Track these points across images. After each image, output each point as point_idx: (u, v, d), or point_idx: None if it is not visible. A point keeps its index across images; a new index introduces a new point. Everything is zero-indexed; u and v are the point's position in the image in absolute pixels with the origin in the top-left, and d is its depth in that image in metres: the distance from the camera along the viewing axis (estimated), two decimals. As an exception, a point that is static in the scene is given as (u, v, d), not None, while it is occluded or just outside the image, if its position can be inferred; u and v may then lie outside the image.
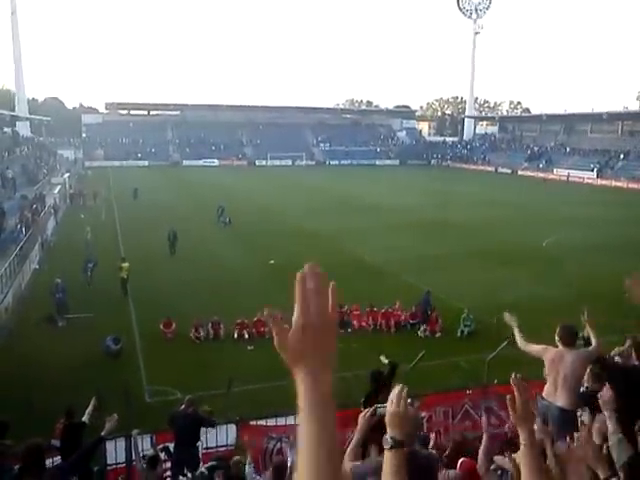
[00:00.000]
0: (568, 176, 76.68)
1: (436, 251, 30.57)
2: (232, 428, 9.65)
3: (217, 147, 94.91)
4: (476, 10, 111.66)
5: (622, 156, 77.57)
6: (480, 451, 5.29)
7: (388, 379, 8.89)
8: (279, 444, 9.38)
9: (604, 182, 71.55)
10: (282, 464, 7.35)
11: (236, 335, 18.32)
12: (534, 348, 6.88)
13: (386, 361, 9.71)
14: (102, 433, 6.36)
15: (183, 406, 9.37)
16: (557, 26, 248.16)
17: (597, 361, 6.59)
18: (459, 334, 18.89)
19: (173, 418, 9.25)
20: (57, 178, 57.46)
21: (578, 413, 6.88)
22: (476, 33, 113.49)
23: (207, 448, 9.56)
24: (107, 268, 24.05)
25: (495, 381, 10.28)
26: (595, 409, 4.52)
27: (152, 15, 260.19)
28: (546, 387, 6.74)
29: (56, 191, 47.66)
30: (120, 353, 16.87)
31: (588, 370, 6.56)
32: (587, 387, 8.42)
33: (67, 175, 59.35)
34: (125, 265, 22.93)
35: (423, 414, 10.17)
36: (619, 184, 69.11)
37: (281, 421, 9.67)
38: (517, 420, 2.62)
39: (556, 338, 6.61)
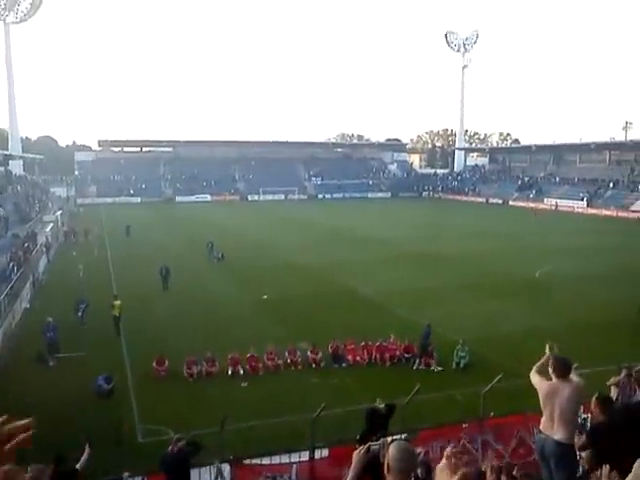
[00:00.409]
0: (556, 205, 77.37)
1: (429, 283, 30.55)
2: (226, 468, 9.48)
3: (209, 183, 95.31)
4: (464, 45, 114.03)
5: (611, 185, 78.44)
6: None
7: (385, 419, 8.79)
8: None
9: (594, 211, 72.19)
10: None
11: (230, 372, 18.12)
12: (536, 379, 6.80)
13: (382, 405, 9.60)
14: (77, 465, 6.21)
15: (170, 447, 9.21)
16: (544, 58, 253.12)
17: (601, 400, 6.52)
18: (454, 366, 18.75)
19: (162, 460, 9.11)
20: (49, 216, 57.41)
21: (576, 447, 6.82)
22: (464, 67, 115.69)
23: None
24: (99, 306, 23.86)
25: (492, 414, 10.18)
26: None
27: (145, 54, 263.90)
28: (543, 420, 6.67)
29: (48, 229, 47.56)
30: (112, 392, 16.60)
31: (594, 400, 6.49)
32: (584, 418, 8.35)
33: (59, 213, 59.32)
34: (117, 303, 22.74)
35: (419, 450, 10.03)
36: (609, 213, 69.71)
37: (276, 459, 9.51)
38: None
39: (549, 370, 6.55)
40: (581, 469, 6.46)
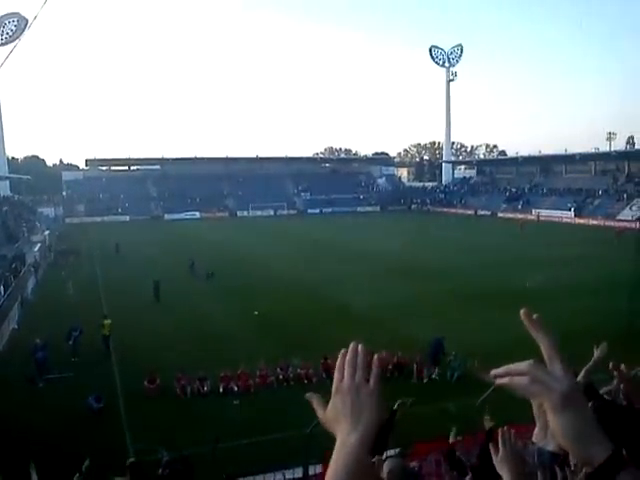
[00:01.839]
0: (538, 216, 78.10)
1: (420, 296, 30.56)
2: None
3: (198, 200, 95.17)
4: (448, 59, 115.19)
5: (598, 194, 79.22)
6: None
7: (387, 429, 8.65)
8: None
9: (582, 221, 72.78)
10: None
11: (221, 389, 18.00)
12: None
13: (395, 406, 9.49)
14: None
15: (160, 470, 9.10)
16: (528, 70, 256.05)
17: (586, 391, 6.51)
18: (448, 377, 18.79)
19: None
20: (37, 236, 57.04)
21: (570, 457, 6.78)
22: (450, 80, 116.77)
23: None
24: (89, 325, 23.69)
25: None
26: None
27: (130, 72, 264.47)
28: (535, 431, 6.64)
29: (36, 249, 47.24)
30: (102, 412, 16.45)
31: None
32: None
33: (47, 233, 58.97)
34: (107, 322, 22.61)
35: (414, 464, 9.97)
36: (596, 222, 70.28)
37: (270, 477, 9.42)
38: (500, 461, 2.53)
39: None
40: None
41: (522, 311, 1.44)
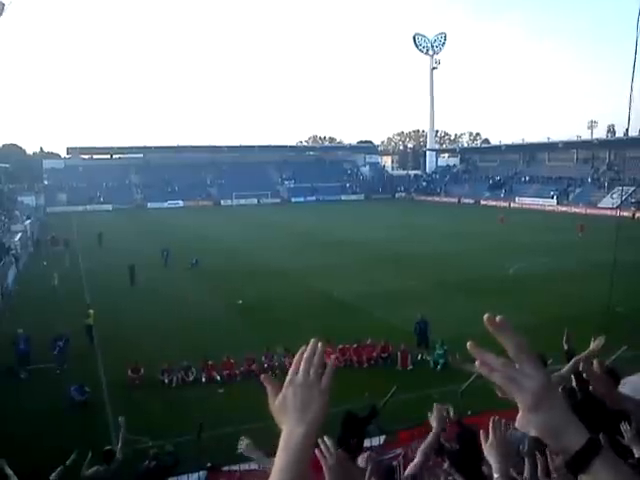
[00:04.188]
0: (521, 203, 78.59)
1: (405, 284, 30.69)
2: (204, 475, 9.37)
3: (181, 188, 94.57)
4: (432, 47, 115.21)
5: (580, 183, 79.91)
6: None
7: (363, 424, 8.70)
8: (253, 489, 9.12)
9: (564, 209, 73.46)
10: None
11: (204, 379, 17.98)
12: None
13: (368, 401, 9.59)
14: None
15: (146, 461, 9.07)
16: (511, 58, 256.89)
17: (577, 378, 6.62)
18: (432, 365, 18.94)
19: (137, 475, 8.97)
20: (18, 225, 56.27)
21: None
22: (433, 68, 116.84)
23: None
24: (71, 315, 23.49)
25: (469, 412, 10.22)
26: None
27: (112, 59, 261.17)
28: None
29: (17, 239, 46.61)
30: (86, 403, 16.35)
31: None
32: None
33: (28, 222, 58.22)
34: (91, 312, 22.44)
35: (398, 451, 10.04)
36: (578, 210, 70.94)
37: (254, 466, 9.42)
38: (489, 449, 2.56)
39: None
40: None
41: (485, 317, 1.43)
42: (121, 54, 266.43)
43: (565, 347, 6.88)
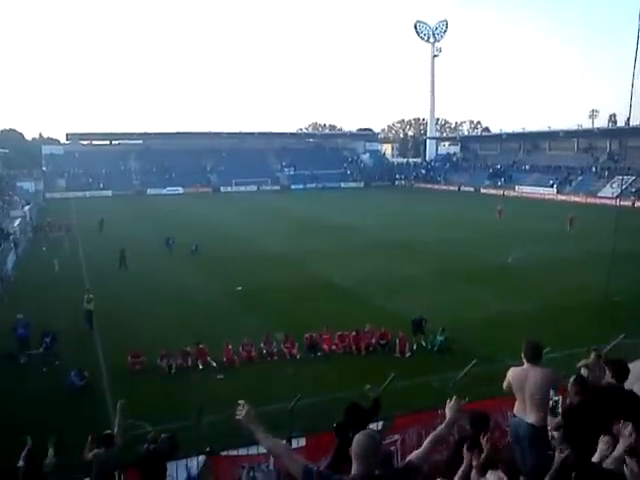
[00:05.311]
0: (520, 192, 78.45)
1: (404, 271, 30.74)
2: (203, 459, 9.43)
3: (181, 175, 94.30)
4: (433, 34, 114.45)
5: (580, 172, 79.75)
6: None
7: (367, 416, 8.78)
8: (252, 473, 9.20)
9: (564, 197, 73.35)
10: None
11: (201, 366, 18.05)
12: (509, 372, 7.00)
13: (370, 393, 9.65)
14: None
15: (145, 445, 9.10)
16: (512, 47, 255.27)
17: (578, 381, 6.77)
18: (429, 347, 19.10)
19: (136, 459, 9.02)
20: (17, 211, 56.18)
21: (549, 428, 6.98)
22: (434, 56, 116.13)
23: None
24: (70, 301, 23.54)
25: (466, 399, 10.28)
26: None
27: (112, 44, 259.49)
28: (516, 404, 6.87)
29: (16, 224, 46.56)
30: (85, 388, 16.43)
31: (570, 385, 6.70)
32: (555, 401, 8.51)
33: (27, 207, 58.13)
34: (91, 297, 22.48)
35: (396, 437, 10.11)
36: (578, 199, 70.86)
37: (253, 450, 9.49)
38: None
39: (522, 354, 6.74)
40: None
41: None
42: (121, 40, 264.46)
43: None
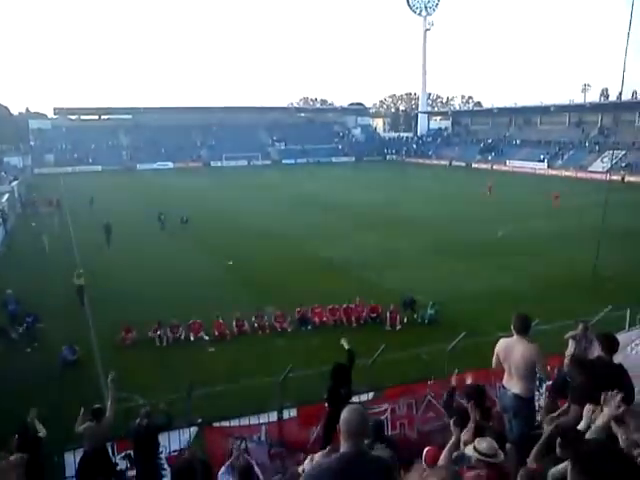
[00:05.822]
0: (511, 167, 78.48)
1: (395, 247, 30.84)
2: (195, 431, 9.53)
3: (171, 150, 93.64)
4: (425, 8, 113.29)
5: (571, 146, 79.80)
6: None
7: (348, 371, 8.91)
8: (244, 444, 9.31)
9: (554, 172, 73.49)
10: (248, 465, 7.30)
11: (192, 338, 18.13)
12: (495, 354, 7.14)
13: (347, 346, 9.75)
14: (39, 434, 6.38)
15: (139, 419, 9.18)
16: (504, 21, 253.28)
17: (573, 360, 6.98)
18: (419, 320, 19.24)
19: (130, 432, 9.11)
20: (4, 186, 55.58)
21: (536, 398, 7.13)
22: (426, 30, 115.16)
23: (171, 452, 9.41)
24: (61, 276, 23.46)
25: (456, 371, 10.41)
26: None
27: (100, 17, 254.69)
28: (505, 376, 7.01)
29: (4, 200, 46.12)
30: (78, 362, 16.48)
31: (567, 361, 6.90)
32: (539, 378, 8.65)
33: (15, 183, 57.60)
34: (81, 272, 22.43)
35: (386, 406, 10.25)
36: (568, 174, 71.05)
37: (245, 421, 9.60)
38: None
39: (511, 326, 6.87)
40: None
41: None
42: (110, 12, 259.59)
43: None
